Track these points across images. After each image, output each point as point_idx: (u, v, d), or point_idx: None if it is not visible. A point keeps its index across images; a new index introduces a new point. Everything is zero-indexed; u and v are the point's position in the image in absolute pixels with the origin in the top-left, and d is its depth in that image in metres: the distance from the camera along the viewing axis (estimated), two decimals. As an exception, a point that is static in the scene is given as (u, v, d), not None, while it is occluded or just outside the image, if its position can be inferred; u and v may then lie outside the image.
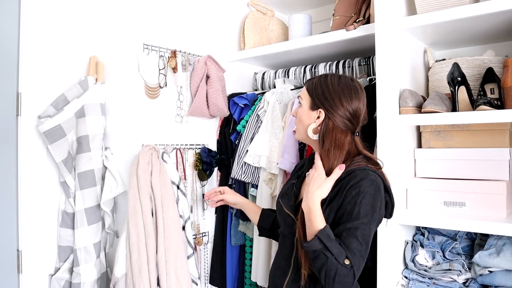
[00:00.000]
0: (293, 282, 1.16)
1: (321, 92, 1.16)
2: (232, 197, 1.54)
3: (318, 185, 1.08)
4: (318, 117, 1.17)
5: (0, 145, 1.52)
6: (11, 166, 1.55)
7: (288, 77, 1.93)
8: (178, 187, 1.58)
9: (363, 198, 1.05)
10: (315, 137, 1.18)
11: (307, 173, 1.10)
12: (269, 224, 1.43)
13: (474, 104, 1.29)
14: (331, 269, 0.99)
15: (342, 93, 1.15)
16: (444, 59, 1.55)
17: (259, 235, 1.50)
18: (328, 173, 1.12)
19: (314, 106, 1.18)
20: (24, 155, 1.56)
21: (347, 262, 1.00)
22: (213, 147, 1.87)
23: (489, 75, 1.36)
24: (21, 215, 1.55)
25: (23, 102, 1.56)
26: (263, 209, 1.49)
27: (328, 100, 1.15)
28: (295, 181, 1.28)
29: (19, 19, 1.55)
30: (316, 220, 1.04)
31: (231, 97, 1.87)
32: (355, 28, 1.50)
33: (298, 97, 1.27)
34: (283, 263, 1.21)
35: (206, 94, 1.72)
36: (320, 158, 1.15)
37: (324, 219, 1.07)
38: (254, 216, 1.48)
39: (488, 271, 1.29)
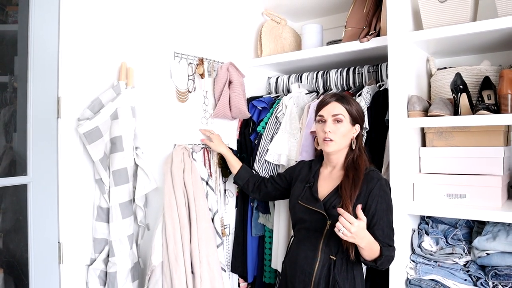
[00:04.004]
0: (322, 267, 1.40)
1: (357, 113, 1.48)
2: (215, 146, 1.83)
3: (363, 227, 1.28)
4: (355, 131, 1.49)
5: (42, 145, 1.64)
6: (52, 165, 1.67)
7: (301, 82, 2.08)
8: (207, 183, 1.73)
9: (385, 195, 1.41)
10: (353, 146, 1.51)
11: (336, 230, 1.27)
12: (243, 182, 1.78)
13: (474, 109, 1.48)
14: (391, 261, 1.38)
15: (364, 113, 1.54)
16: (445, 68, 1.73)
17: (233, 183, 1.87)
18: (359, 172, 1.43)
19: (352, 123, 1.48)
20: (63, 155, 1.68)
21: (394, 249, 1.39)
22: (234, 146, 2.01)
23: (486, 83, 1.55)
24: (61, 210, 1.68)
25: (63, 106, 1.68)
26: (241, 166, 1.80)
27: (362, 119, 1.52)
28: (310, 184, 1.51)
29: (58, 30, 1.67)
30: (375, 247, 1.33)
31: (249, 100, 2.02)
32: (368, 40, 1.67)
33: (338, 115, 1.44)
34: (310, 253, 1.43)
35: (229, 98, 1.87)
36: (354, 159, 1.47)
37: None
38: (232, 169, 1.81)
39: (486, 253, 1.48)
